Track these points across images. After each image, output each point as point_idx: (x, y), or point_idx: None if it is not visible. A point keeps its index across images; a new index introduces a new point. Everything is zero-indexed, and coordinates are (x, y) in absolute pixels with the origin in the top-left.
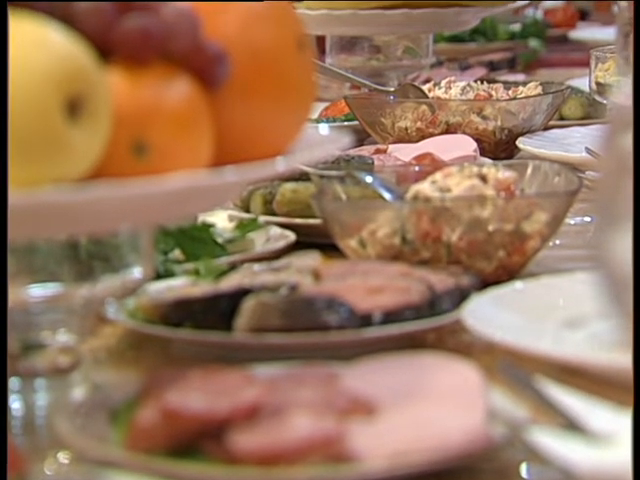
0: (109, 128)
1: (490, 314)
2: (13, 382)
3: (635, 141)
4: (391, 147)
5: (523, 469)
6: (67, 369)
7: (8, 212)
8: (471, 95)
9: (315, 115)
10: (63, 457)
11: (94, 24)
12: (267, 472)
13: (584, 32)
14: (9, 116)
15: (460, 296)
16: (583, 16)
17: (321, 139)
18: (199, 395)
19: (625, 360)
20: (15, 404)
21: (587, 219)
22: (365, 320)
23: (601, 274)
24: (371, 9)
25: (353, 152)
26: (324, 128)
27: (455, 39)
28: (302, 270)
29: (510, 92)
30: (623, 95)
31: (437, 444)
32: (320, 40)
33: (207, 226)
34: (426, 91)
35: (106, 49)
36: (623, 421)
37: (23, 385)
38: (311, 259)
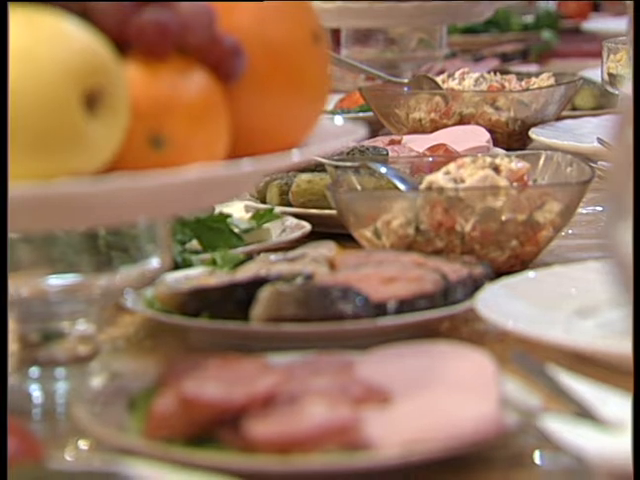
0: (127, 121)
1: (503, 303)
2: (33, 371)
3: (635, 141)
4: (405, 138)
5: (536, 456)
6: (86, 358)
7: (28, 204)
8: (484, 86)
9: (330, 106)
10: (82, 445)
11: (112, 18)
12: (283, 459)
13: (597, 23)
14: (30, 109)
15: (473, 285)
16: (596, 7)
17: (336, 130)
18: (216, 383)
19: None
20: (35, 392)
21: (599, 209)
22: (380, 309)
23: (612, 264)
24: (385, 1)
25: (368, 143)
26: (339, 120)
27: (468, 31)
28: (317, 260)
29: (523, 83)
30: (627, 86)
31: (451, 432)
32: (335, 32)
33: (224, 217)
34: (440, 82)
35: (124, 43)
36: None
37: (43, 373)
38: (326, 249)
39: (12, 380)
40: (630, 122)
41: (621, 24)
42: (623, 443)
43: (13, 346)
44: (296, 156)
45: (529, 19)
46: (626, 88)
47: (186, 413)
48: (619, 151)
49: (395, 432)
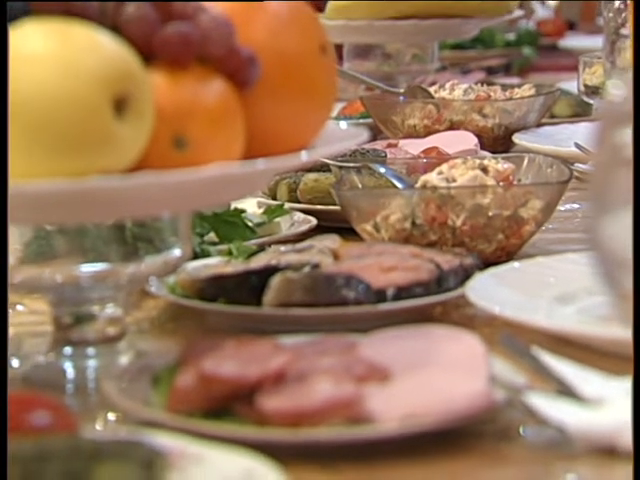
0: (152, 124)
1: (491, 290)
2: (66, 350)
3: (635, 141)
4: (401, 142)
5: (522, 429)
6: (114, 338)
7: (63, 199)
8: (472, 96)
9: (334, 113)
10: (110, 417)
11: (139, 31)
12: (293, 432)
13: (572, 41)
14: (65, 113)
15: (464, 274)
16: (571, 26)
17: (340, 135)
18: (232, 362)
19: (612, 331)
20: (68, 369)
21: (576, 206)
22: (380, 296)
23: (594, 255)
24: (384, 20)
25: (368, 146)
26: (343, 125)
27: (457, 47)
28: (323, 251)
29: (507, 93)
30: (615, 95)
31: (444, 407)
32: (338, 47)
33: (239, 211)
34: (432, 92)
35: (149, 53)
36: (611, 386)
37: (75, 352)
38: (331, 241)
39: (47, 358)
40: (610, 127)
41: (594, 41)
42: (601, 417)
43: (48, 327)
44: (304, 157)
45: (511, 37)
46: (603, 97)
47: (205, 389)
48: (600, 153)
49: (394, 407)
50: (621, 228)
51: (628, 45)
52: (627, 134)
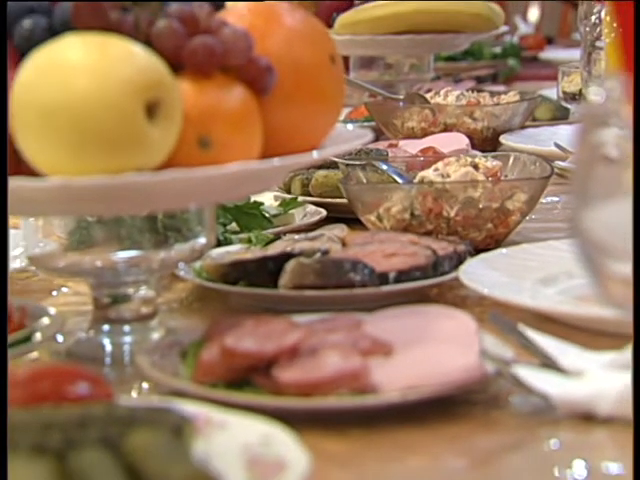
0: (180, 126)
1: (481, 274)
2: (105, 327)
3: (635, 141)
4: (401, 142)
5: (510, 397)
6: (147, 317)
7: (102, 193)
8: (464, 101)
9: (341, 117)
10: (143, 387)
11: (168, 44)
12: (306, 400)
13: (550, 53)
14: (103, 117)
15: (457, 259)
16: (549, 41)
17: (347, 136)
18: (251, 338)
19: (589, 310)
20: (106, 344)
21: (556, 199)
22: (382, 279)
23: (576, 242)
24: (385, 35)
25: (372, 146)
26: (349, 127)
27: (450, 58)
28: (332, 239)
29: (494, 99)
30: (594, 99)
31: (441, 378)
32: (345, 59)
33: (257, 204)
34: (428, 98)
35: (178, 63)
36: (588, 359)
37: (112, 329)
38: (339, 230)
39: (88, 334)
40: (589, 129)
41: (570, 54)
42: (580, 386)
43: (89, 307)
44: (315, 156)
45: (497, 50)
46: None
47: (227, 362)
48: (581, 152)
49: (396, 378)
50: (600, 218)
51: (603, 56)
52: (605, 134)
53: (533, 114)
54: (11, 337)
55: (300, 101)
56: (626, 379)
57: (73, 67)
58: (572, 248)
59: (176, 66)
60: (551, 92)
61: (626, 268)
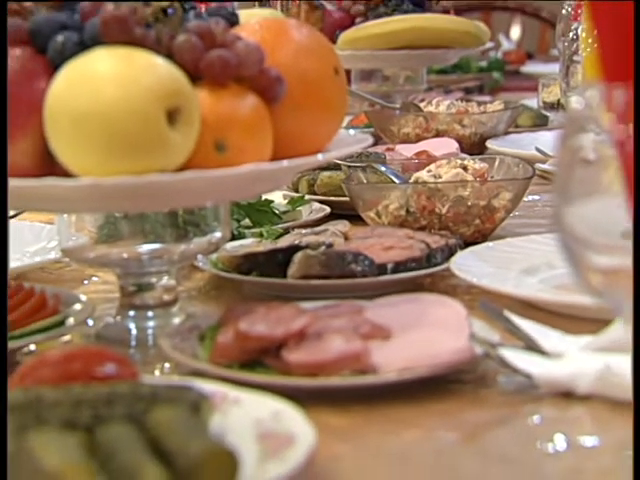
0: (198, 131)
1: (470, 265)
2: (130, 312)
3: (635, 142)
4: (398, 147)
5: (497, 376)
6: (169, 303)
7: (128, 192)
8: (453, 110)
9: (344, 124)
10: (165, 367)
11: (188, 56)
12: (312, 380)
13: (531, 67)
14: (129, 122)
15: (448, 252)
16: (529, 56)
17: (349, 140)
18: (262, 323)
19: (568, 297)
20: (132, 328)
21: (537, 197)
22: (381, 269)
23: (559, 236)
24: (382, 50)
25: (371, 150)
26: (351, 133)
27: (441, 72)
28: (336, 233)
29: (481, 108)
30: (574, 107)
31: (434, 359)
32: (347, 72)
33: (268, 202)
34: (422, 107)
35: (196, 74)
36: (567, 342)
37: (137, 314)
38: (342, 225)
39: (115, 319)
40: (569, 134)
41: (548, 68)
42: (560, 367)
43: (116, 295)
44: (320, 158)
45: (484, 64)
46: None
47: (241, 344)
48: (562, 155)
49: (393, 360)
50: (580, 214)
51: (580, 69)
52: (583, 139)
53: (516, 121)
54: (46, 322)
55: (307, 109)
56: (603, 360)
57: (102, 77)
58: (554, 241)
59: (195, 76)
60: (532, 102)
61: (603, 260)
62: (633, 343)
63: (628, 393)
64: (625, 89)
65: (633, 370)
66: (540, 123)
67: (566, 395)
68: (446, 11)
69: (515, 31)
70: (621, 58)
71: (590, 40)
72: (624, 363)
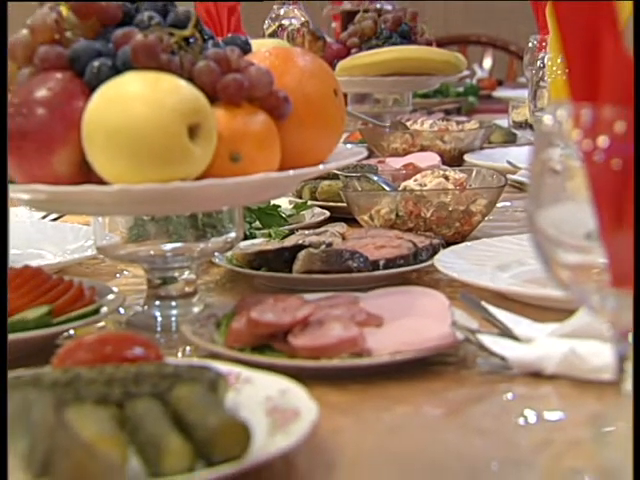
0: (215, 145)
1: (451, 262)
2: (156, 302)
3: (636, 142)
4: (387, 159)
5: (475, 359)
6: (190, 294)
7: (154, 197)
8: (435, 128)
9: (342, 140)
10: (187, 350)
11: (206, 79)
12: (315, 362)
13: (501, 92)
14: (155, 137)
15: (432, 250)
16: (500, 83)
17: (346, 154)
18: (271, 312)
19: (536, 290)
20: (157, 316)
21: (508, 203)
22: (374, 265)
23: (532, 236)
24: (374, 77)
25: (365, 162)
26: (348, 147)
27: (425, 95)
28: (334, 234)
29: (459, 127)
30: (544, 124)
31: (421, 344)
32: (343, 95)
33: (276, 206)
34: (408, 126)
35: (214, 95)
36: (536, 328)
37: (162, 304)
38: (340, 227)
39: (143, 308)
40: (540, 148)
41: (516, 93)
42: (530, 350)
43: (144, 287)
44: (321, 168)
45: (461, 89)
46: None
47: (252, 330)
48: (535, 165)
49: (385, 344)
50: (550, 217)
51: (546, 92)
52: (552, 152)
53: (489, 138)
54: (83, 310)
55: (310, 126)
56: (567, 344)
57: (132, 98)
58: (524, 241)
59: (212, 97)
60: (503, 121)
61: (570, 257)
62: (633, 343)
63: (589, 373)
64: (590, 108)
65: (634, 371)
66: (510, 140)
67: (535, 375)
68: (429, 43)
69: (487, 62)
70: (587, 81)
71: (555, 68)
72: (586, 347)
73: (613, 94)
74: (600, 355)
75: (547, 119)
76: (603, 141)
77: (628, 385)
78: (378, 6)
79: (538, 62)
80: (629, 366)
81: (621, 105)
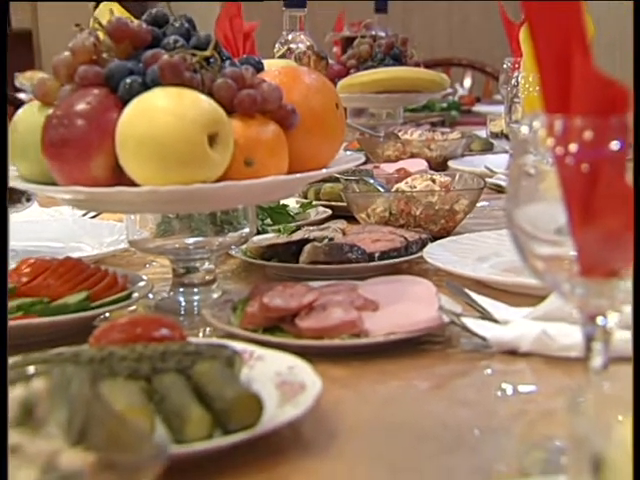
0: (232, 151)
1: (438, 254)
2: (180, 289)
3: (635, 142)
4: (382, 165)
5: (460, 339)
6: (210, 282)
7: (178, 198)
8: (423, 138)
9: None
10: (207, 331)
11: (224, 94)
12: (319, 341)
13: (479, 107)
14: (179, 145)
15: (421, 244)
16: (478, 100)
17: (346, 159)
18: (281, 297)
19: (511, 279)
20: (182, 301)
21: (486, 203)
22: (371, 257)
23: (510, 231)
24: (370, 94)
25: (362, 167)
26: (347, 154)
27: (414, 110)
28: (336, 230)
29: (443, 137)
30: (521, 134)
31: (412, 326)
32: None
33: (284, 205)
34: (399, 136)
35: (231, 108)
36: (512, 312)
37: (186, 290)
38: (341, 224)
39: (169, 294)
40: (518, 155)
41: (492, 108)
42: (507, 331)
43: (170, 275)
44: (324, 172)
45: (444, 105)
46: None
47: (264, 314)
48: (513, 170)
49: (381, 326)
50: (526, 215)
51: (519, 107)
52: (526, 158)
53: (469, 147)
54: (117, 296)
55: (315, 135)
56: (539, 326)
57: (159, 110)
58: (501, 236)
59: (229, 110)
60: (481, 132)
61: (544, 249)
62: (633, 341)
63: (559, 351)
64: (562, 118)
65: (634, 368)
66: (487, 148)
67: (512, 353)
68: (417, 65)
69: (467, 81)
70: (559, 94)
71: (527, 85)
72: (556, 328)
73: (583, 106)
74: (568, 335)
75: (524, 129)
76: (573, 147)
77: (595, 362)
78: (373, 33)
79: (512, 81)
80: (596, 345)
81: (590, 115)
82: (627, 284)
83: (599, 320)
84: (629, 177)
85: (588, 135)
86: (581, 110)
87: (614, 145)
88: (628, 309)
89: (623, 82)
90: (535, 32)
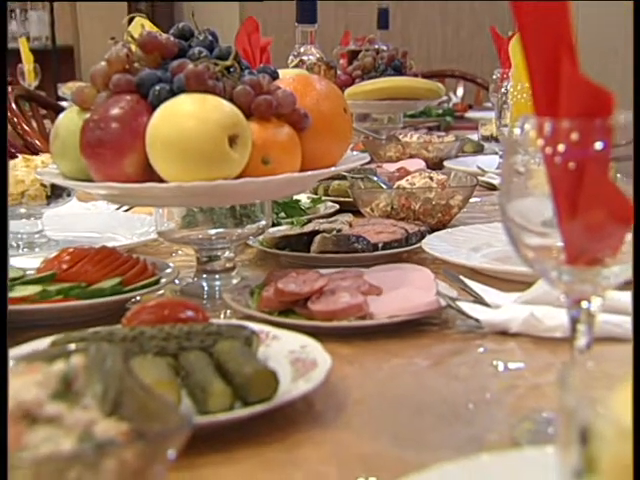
0: (250, 151)
1: (435, 244)
2: (204, 275)
3: (635, 142)
4: (384, 165)
5: (455, 321)
6: (230, 269)
7: (202, 193)
8: (422, 140)
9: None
10: (227, 314)
11: (243, 100)
12: (328, 323)
13: (472, 114)
14: (202, 145)
15: (420, 236)
16: (470, 107)
17: (352, 159)
18: (294, 283)
19: (502, 267)
20: (205, 286)
21: (478, 199)
22: (375, 247)
23: (503, 223)
24: (373, 100)
25: (367, 166)
26: (353, 154)
27: (412, 116)
28: (343, 222)
29: (439, 139)
30: (512, 135)
31: (412, 309)
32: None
33: (297, 200)
34: (400, 138)
35: (249, 112)
36: (503, 297)
37: (208, 277)
38: (348, 217)
39: (193, 280)
40: (509, 154)
41: (483, 114)
42: (499, 314)
43: (194, 263)
44: (333, 171)
45: (440, 111)
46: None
47: (279, 298)
48: (505, 168)
49: (384, 309)
50: (517, 208)
51: (509, 113)
52: (516, 158)
53: (463, 149)
54: (147, 281)
55: (325, 136)
56: (528, 309)
57: (185, 115)
58: (493, 229)
59: (248, 113)
60: (473, 136)
61: (533, 240)
62: (633, 337)
63: (545, 332)
64: (551, 121)
65: (634, 371)
66: (479, 150)
67: (502, 333)
68: (415, 75)
69: (460, 90)
70: (548, 99)
71: (516, 93)
72: (543, 311)
73: (570, 109)
74: (554, 318)
75: (516, 131)
76: (561, 147)
77: (580, 342)
78: (376, 46)
79: (502, 89)
80: (580, 327)
81: (576, 118)
82: (609, 271)
83: (583, 304)
84: (611, 175)
85: (575, 136)
86: (568, 113)
87: (598, 145)
88: (610, 294)
89: (606, 86)
90: (526, 43)
